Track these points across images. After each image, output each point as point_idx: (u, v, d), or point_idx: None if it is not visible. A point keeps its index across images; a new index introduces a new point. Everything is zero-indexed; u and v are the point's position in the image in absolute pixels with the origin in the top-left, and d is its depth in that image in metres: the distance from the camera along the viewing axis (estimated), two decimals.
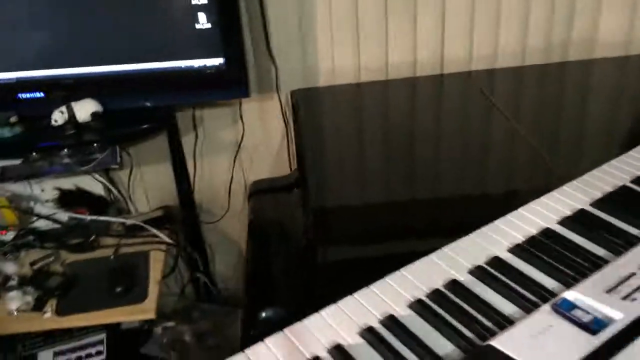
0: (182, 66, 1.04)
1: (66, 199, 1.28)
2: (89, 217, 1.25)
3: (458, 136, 0.99)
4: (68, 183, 1.30)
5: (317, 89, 1.23)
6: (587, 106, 1.06)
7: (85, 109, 1.06)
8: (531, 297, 0.50)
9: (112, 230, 1.26)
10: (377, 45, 1.22)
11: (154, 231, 1.22)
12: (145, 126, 1.09)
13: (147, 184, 1.37)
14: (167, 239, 1.23)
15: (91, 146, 1.09)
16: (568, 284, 0.51)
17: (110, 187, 1.31)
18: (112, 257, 1.18)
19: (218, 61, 1.03)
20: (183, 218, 1.36)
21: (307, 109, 1.16)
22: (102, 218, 1.25)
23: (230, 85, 1.06)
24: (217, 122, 1.29)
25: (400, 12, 1.19)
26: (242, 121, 1.26)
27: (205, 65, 1.03)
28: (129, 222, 1.25)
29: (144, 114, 1.10)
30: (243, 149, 1.31)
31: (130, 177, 1.33)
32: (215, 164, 1.34)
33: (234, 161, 1.30)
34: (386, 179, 0.90)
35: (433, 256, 0.57)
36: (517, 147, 0.92)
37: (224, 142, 1.31)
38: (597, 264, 0.51)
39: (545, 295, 0.50)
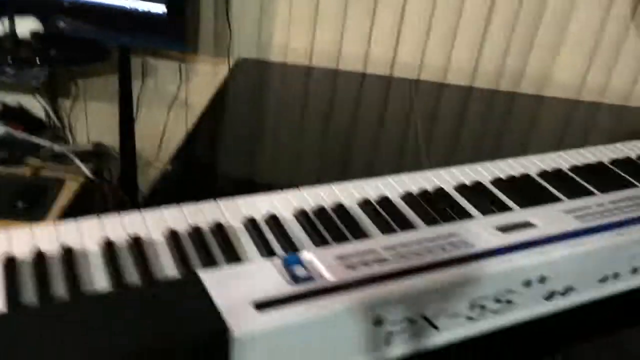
0: (127, 7, 1.07)
1: (6, 114, 1.32)
2: (21, 135, 1.29)
3: (356, 131, 1.00)
4: (13, 100, 1.35)
5: (260, 62, 1.25)
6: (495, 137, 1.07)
7: (26, 25, 1.09)
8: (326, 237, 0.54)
9: (41, 154, 1.30)
10: (333, 32, 1.23)
11: (77, 162, 1.25)
12: (83, 57, 1.13)
13: (91, 119, 1.40)
14: (87, 172, 1.26)
15: (28, 63, 1.12)
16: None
17: (51, 112, 1.35)
18: (28, 176, 1.21)
19: (161, 8, 1.06)
20: (121, 160, 1.39)
21: (243, 78, 1.18)
22: (33, 138, 1.29)
23: (170, 35, 1.09)
24: (167, 74, 1.32)
25: (360, 4, 1.20)
26: (180, 77, 1.29)
27: (149, 11, 1.06)
28: (57, 148, 1.29)
29: (85, 45, 1.13)
30: (183, 105, 1.33)
31: (73, 108, 1.37)
32: (155, 115, 1.36)
33: (167, 114, 1.33)
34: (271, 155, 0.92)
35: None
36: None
37: (168, 96, 1.34)
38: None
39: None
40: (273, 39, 1.25)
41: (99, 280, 0.47)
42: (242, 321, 0.40)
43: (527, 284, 0.52)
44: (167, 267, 0.49)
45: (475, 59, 1.24)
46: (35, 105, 1.36)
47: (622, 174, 0.74)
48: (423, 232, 0.53)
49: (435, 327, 0.49)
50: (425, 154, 0.92)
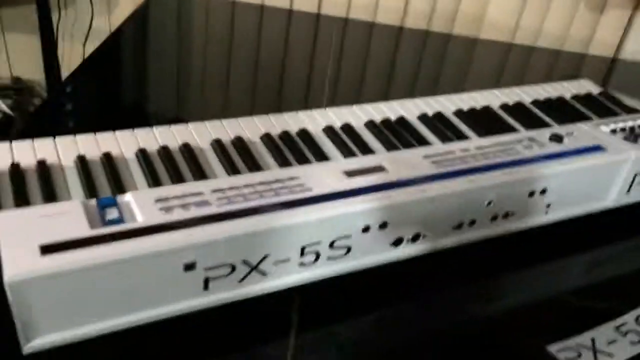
0: None
1: None
2: None
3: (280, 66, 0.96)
4: None
5: None
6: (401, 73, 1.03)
7: None
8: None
9: None
10: None
11: None
12: None
13: (12, 52, 1.34)
14: (4, 107, 1.21)
15: None
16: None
17: None
18: None
19: None
20: (48, 94, 1.34)
21: (155, 10, 1.12)
22: None
23: None
24: (87, 5, 1.26)
25: None
26: (92, 7, 1.22)
27: None
28: None
29: None
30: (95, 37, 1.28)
31: None
32: (78, 47, 1.31)
33: (84, 46, 1.27)
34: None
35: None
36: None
37: (84, 27, 1.27)
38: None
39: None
40: None
41: None
42: (19, 265, 0.38)
43: (366, 229, 0.50)
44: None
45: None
46: None
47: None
48: (261, 175, 0.51)
49: (263, 273, 0.48)
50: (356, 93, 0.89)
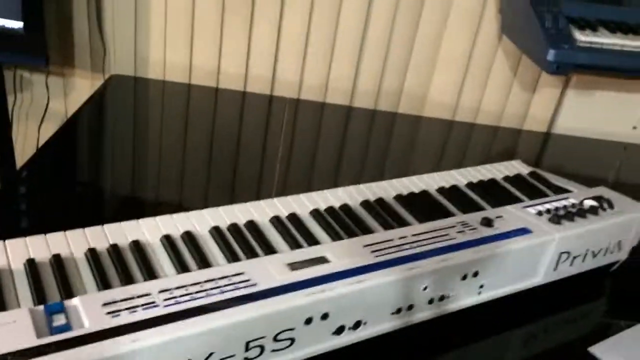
0: None
1: None
2: None
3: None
4: None
5: (132, 78, 1.23)
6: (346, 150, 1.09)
7: None
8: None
9: None
10: (211, 49, 1.23)
11: None
12: None
13: None
14: None
15: None
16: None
17: None
18: None
19: (17, 24, 1.03)
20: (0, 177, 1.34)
21: (110, 94, 1.16)
22: None
23: (30, 51, 1.06)
24: (42, 89, 1.28)
25: (236, 20, 1.20)
26: (47, 91, 1.26)
27: (4, 26, 1.03)
28: None
29: None
30: (60, 121, 1.30)
31: None
32: (33, 130, 1.32)
33: (38, 131, 1.29)
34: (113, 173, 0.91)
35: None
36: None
37: (43, 111, 1.30)
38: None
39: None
40: (149, 55, 1.24)
41: None
42: None
43: (309, 321, 0.53)
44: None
45: (353, 78, 1.26)
46: None
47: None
48: (208, 272, 0.53)
49: None
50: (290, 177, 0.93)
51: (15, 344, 0.42)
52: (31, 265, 0.53)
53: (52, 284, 0.52)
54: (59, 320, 0.45)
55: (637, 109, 1.27)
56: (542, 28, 0.90)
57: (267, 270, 0.54)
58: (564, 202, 0.74)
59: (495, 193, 0.79)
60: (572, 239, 0.69)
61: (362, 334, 0.58)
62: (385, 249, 0.60)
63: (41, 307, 0.46)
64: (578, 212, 0.72)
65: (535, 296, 0.70)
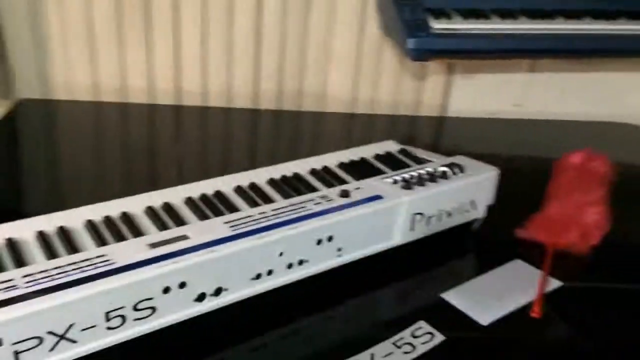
0: None
1: None
2: None
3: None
4: None
5: (40, 101, 1.28)
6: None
7: None
8: None
9: None
10: (113, 65, 1.29)
11: None
12: None
13: None
14: None
15: None
16: None
17: None
18: None
19: None
20: None
21: (19, 118, 1.21)
22: None
23: None
24: None
25: (134, 35, 1.26)
26: None
27: None
28: None
29: None
30: None
31: None
32: None
33: None
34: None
35: None
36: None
37: None
38: None
39: None
40: (55, 77, 1.29)
41: None
42: None
43: (167, 290, 0.59)
44: None
45: (253, 82, 1.34)
46: None
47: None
48: (74, 257, 0.59)
49: (72, 342, 0.55)
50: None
51: None
52: None
53: None
54: None
55: (517, 87, 1.39)
56: (402, 20, 1.00)
57: (128, 251, 0.60)
58: (420, 171, 0.83)
59: (363, 170, 0.87)
60: (422, 202, 0.77)
61: (225, 299, 0.64)
62: (243, 223, 0.67)
63: None
64: (430, 178, 0.80)
65: (403, 254, 0.78)
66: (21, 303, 0.52)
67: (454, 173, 0.83)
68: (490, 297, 0.74)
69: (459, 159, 0.87)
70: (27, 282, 0.54)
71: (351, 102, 1.38)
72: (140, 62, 1.29)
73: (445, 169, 0.83)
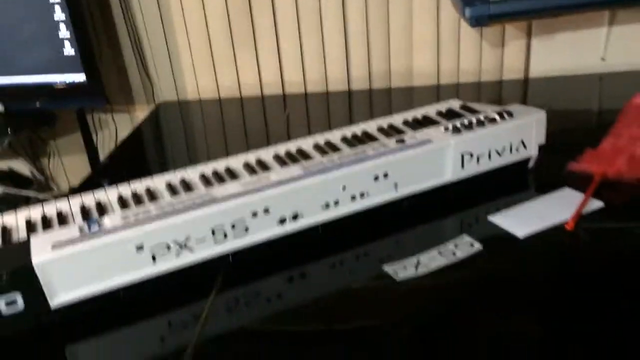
0: (58, 81, 1.42)
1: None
2: (13, 190, 1.65)
3: None
4: (4, 165, 1.72)
5: (175, 103, 1.58)
6: None
7: None
8: None
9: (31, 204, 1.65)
10: (230, 69, 1.55)
11: None
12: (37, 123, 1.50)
13: (68, 170, 1.76)
14: None
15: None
16: None
17: (34, 170, 1.71)
18: None
19: (81, 77, 1.40)
20: None
21: (160, 116, 1.51)
22: (23, 192, 1.65)
23: (93, 96, 1.43)
24: (117, 123, 1.67)
25: (244, 47, 1.51)
26: (115, 125, 1.63)
27: (73, 81, 1.41)
28: (42, 197, 1.64)
29: (36, 114, 1.51)
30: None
31: (51, 164, 1.74)
32: None
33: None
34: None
35: None
36: None
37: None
38: None
39: None
40: (186, 83, 1.58)
41: None
42: (40, 255, 0.70)
43: (255, 214, 0.79)
44: None
45: (345, 70, 1.52)
46: (22, 167, 1.73)
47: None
48: (189, 194, 0.82)
49: (190, 250, 0.77)
50: None
51: (67, 236, 0.72)
52: (83, 210, 0.84)
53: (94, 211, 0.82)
54: (94, 227, 0.75)
55: (597, 42, 1.41)
56: None
57: (228, 188, 0.81)
58: (472, 119, 0.95)
59: (424, 123, 1.00)
60: (468, 143, 0.90)
61: (301, 224, 0.83)
62: (314, 166, 0.85)
63: (84, 222, 0.77)
64: (479, 123, 0.93)
65: (461, 189, 0.91)
66: (156, 221, 0.75)
67: (503, 118, 0.94)
68: (532, 216, 0.85)
69: (511, 107, 0.98)
70: (158, 210, 0.77)
71: (436, 75, 1.51)
72: (250, 64, 1.53)
73: (495, 115, 0.95)
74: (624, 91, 1.16)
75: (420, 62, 1.50)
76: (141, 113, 1.64)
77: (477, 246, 0.79)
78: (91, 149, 1.70)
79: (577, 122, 0.96)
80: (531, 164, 0.98)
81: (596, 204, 0.85)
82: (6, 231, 0.79)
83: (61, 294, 0.72)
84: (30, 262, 0.69)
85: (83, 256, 0.71)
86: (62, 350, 0.73)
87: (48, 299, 0.71)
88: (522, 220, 0.84)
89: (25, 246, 0.72)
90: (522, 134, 0.94)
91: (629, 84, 1.36)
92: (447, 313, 0.71)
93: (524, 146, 0.95)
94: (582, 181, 0.91)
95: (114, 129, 1.67)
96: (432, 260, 0.78)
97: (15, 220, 0.82)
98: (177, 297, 0.77)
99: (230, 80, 1.56)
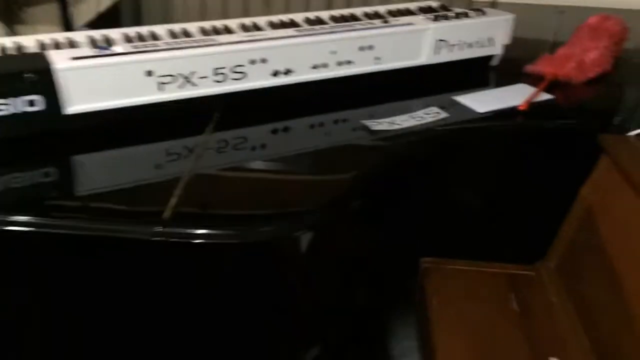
0: None
1: None
2: None
3: None
4: None
5: None
6: None
7: None
8: None
9: None
10: None
11: None
12: None
13: None
14: None
15: None
16: None
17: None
18: None
19: None
20: None
21: None
22: None
23: None
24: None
25: None
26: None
27: None
28: None
29: None
30: None
31: (23, 32, 1.73)
32: None
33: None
34: None
35: None
36: None
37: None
38: None
39: None
40: None
41: None
42: (62, 64, 0.76)
43: (253, 62, 0.88)
44: None
45: None
46: None
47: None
48: (199, 38, 0.89)
49: (193, 84, 0.85)
50: None
51: (84, 53, 0.79)
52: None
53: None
54: (105, 51, 0.82)
55: None
56: None
57: (230, 37, 0.89)
58: (448, 13, 1.06)
59: (405, 14, 1.10)
60: (444, 30, 1.00)
61: (292, 78, 0.92)
62: (307, 30, 0.94)
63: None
64: (455, 16, 1.03)
65: (432, 74, 1.03)
66: (165, 52, 0.82)
67: (477, 15, 1.05)
68: (491, 99, 0.97)
69: (485, 9, 1.09)
70: (168, 44, 0.85)
71: None
72: None
73: (469, 12, 1.05)
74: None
75: None
76: None
77: (444, 114, 0.92)
78: (67, 20, 1.70)
79: (543, 36, 1.09)
80: (495, 61, 1.10)
81: (546, 97, 0.99)
82: (21, 47, 0.84)
83: (75, 103, 0.79)
84: (51, 67, 0.75)
85: (98, 71, 0.78)
86: (68, 155, 0.80)
87: (63, 105, 0.78)
88: (482, 101, 0.97)
89: (42, 57, 0.78)
90: (491, 31, 1.06)
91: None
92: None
93: (492, 43, 1.07)
94: (536, 80, 1.04)
95: (94, 3, 1.68)
96: (404, 121, 0.89)
97: (27, 41, 0.87)
98: (176, 129, 0.86)
99: None
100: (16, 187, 0.72)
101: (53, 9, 1.71)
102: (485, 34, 1.05)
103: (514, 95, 0.99)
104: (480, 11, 1.06)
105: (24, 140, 0.78)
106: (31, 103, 0.76)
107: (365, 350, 1.00)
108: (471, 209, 0.98)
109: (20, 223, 0.64)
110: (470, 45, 1.05)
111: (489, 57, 1.09)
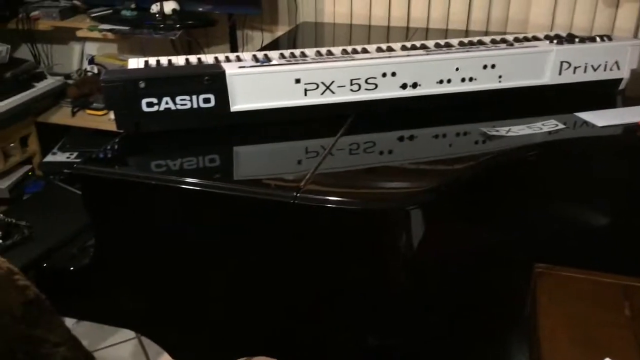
0: None
1: None
2: None
3: None
4: None
5: (313, 23, 1.82)
6: None
7: (169, 6, 1.78)
8: None
9: None
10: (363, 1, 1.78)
11: None
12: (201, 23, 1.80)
13: None
14: None
15: (169, 27, 1.80)
16: None
17: None
18: None
19: None
20: None
21: (297, 33, 1.77)
22: None
23: (251, 5, 1.71)
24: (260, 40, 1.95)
25: None
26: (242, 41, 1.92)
27: None
28: None
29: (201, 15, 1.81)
30: None
31: None
32: None
33: None
34: None
35: None
36: None
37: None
38: None
39: None
40: (325, 8, 1.82)
41: None
42: (231, 70, 0.96)
43: (384, 75, 1.01)
44: None
45: (467, 11, 1.70)
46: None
47: None
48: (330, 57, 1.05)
49: (332, 92, 1.00)
50: None
51: (245, 64, 0.98)
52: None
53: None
54: (262, 59, 1.01)
55: None
56: None
57: (371, 53, 1.04)
58: (575, 38, 1.11)
59: (531, 40, 1.18)
60: (568, 52, 1.06)
61: (418, 92, 1.04)
62: (435, 51, 1.06)
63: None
64: (580, 40, 1.09)
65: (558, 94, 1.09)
66: (311, 64, 0.99)
67: (603, 40, 1.10)
68: (613, 115, 1.01)
69: (613, 36, 1.13)
70: (314, 59, 1.02)
71: (549, 28, 1.65)
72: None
73: (597, 37, 1.10)
74: None
75: (536, 13, 1.65)
76: (284, 30, 1.91)
77: (562, 126, 0.97)
78: (234, 47, 2.00)
79: None
80: (622, 85, 1.13)
81: None
82: (200, 60, 1.06)
83: (238, 103, 0.98)
84: (224, 73, 0.95)
85: (258, 77, 0.97)
86: (230, 147, 0.99)
87: (230, 103, 0.97)
88: (602, 116, 1.00)
89: (217, 66, 0.98)
90: (617, 55, 1.09)
91: None
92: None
93: (618, 67, 1.10)
94: None
95: (258, 43, 1.95)
96: (520, 130, 0.97)
97: (205, 58, 1.09)
98: (315, 130, 1.01)
99: (363, 9, 1.78)
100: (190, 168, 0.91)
101: (225, 48, 2.01)
102: (612, 58, 1.09)
103: (636, 113, 1.01)
104: (607, 37, 1.10)
105: (197, 131, 0.98)
106: (206, 100, 0.96)
107: (469, 349, 1.05)
108: (589, 220, 1.01)
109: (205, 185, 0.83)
110: (594, 68, 1.09)
111: (616, 81, 1.12)
